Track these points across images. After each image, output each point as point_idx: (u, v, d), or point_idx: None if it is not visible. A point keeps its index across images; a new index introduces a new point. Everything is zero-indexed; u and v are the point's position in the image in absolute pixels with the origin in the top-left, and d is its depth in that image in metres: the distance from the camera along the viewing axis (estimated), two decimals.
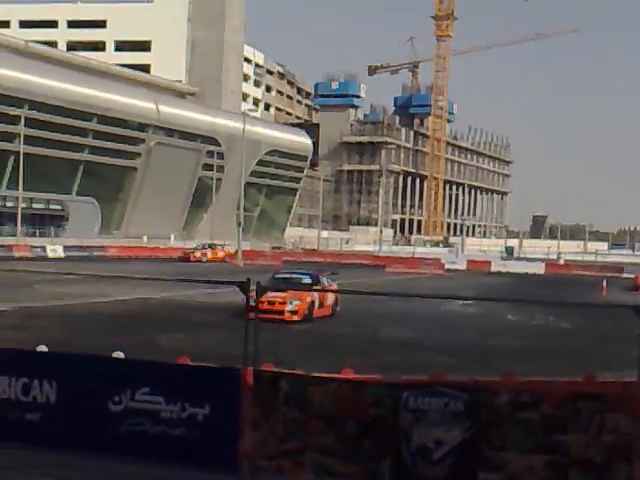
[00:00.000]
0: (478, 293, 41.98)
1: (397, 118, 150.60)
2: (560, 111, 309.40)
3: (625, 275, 59.93)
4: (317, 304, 25.74)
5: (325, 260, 67.54)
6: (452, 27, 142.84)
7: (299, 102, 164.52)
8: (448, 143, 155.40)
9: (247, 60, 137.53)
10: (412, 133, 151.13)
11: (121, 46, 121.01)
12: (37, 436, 8.50)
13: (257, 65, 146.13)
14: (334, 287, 28.94)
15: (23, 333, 18.91)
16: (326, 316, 26.14)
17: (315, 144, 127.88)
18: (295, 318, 24.37)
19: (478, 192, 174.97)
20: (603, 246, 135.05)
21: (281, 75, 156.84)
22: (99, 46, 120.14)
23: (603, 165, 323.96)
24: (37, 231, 78.00)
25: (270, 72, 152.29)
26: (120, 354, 10.33)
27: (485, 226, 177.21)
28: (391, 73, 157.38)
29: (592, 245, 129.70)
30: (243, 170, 75.64)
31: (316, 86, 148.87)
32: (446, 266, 64.33)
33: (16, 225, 71.18)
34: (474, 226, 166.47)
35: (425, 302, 30.58)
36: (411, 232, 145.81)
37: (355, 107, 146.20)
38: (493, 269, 67.68)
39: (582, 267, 70.33)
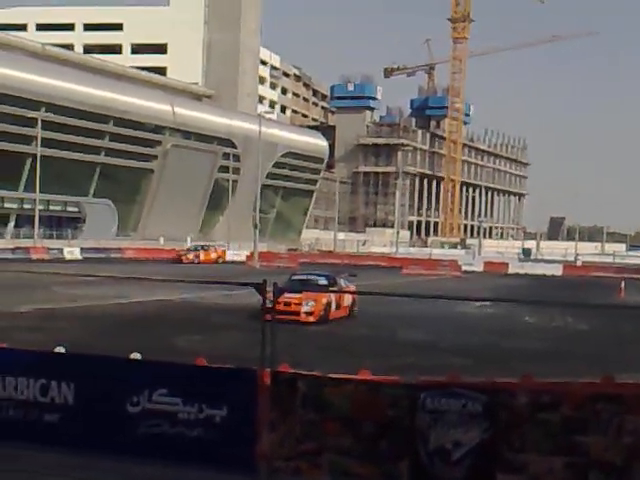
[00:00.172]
0: (495, 295, 41.85)
1: (413, 120, 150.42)
2: (577, 113, 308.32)
3: None
4: (334, 305, 25.70)
5: (342, 262, 67.54)
6: (468, 29, 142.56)
7: (315, 104, 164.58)
8: (465, 145, 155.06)
9: (263, 62, 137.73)
10: (428, 135, 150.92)
11: (137, 49, 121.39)
12: (55, 437, 8.51)
13: (273, 67, 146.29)
14: (351, 289, 28.86)
15: (41, 334, 18.97)
16: (343, 317, 26.11)
17: (331, 146, 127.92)
18: (311, 319, 24.36)
19: (495, 194, 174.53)
20: (621, 248, 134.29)
21: (297, 77, 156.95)
22: (115, 49, 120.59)
23: (621, 166, 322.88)
24: (54, 233, 78.27)
25: (286, 74, 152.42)
26: (137, 355, 10.33)
27: (502, 228, 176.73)
28: (407, 75, 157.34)
29: (610, 247, 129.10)
30: (259, 172, 75.75)
31: (332, 88, 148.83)
32: (463, 268, 64.24)
33: (33, 227, 71.44)
34: (491, 228, 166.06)
35: (442, 303, 30.53)
36: (427, 234, 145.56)
37: (371, 109, 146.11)
38: (510, 271, 67.53)
39: (600, 269, 70.09)
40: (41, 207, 73.72)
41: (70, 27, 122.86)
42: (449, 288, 44.47)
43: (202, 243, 74.80)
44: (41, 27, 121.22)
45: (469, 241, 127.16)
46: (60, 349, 10.39)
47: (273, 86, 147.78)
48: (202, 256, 67.53)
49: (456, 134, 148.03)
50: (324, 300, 25.03)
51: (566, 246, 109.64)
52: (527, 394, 7.39)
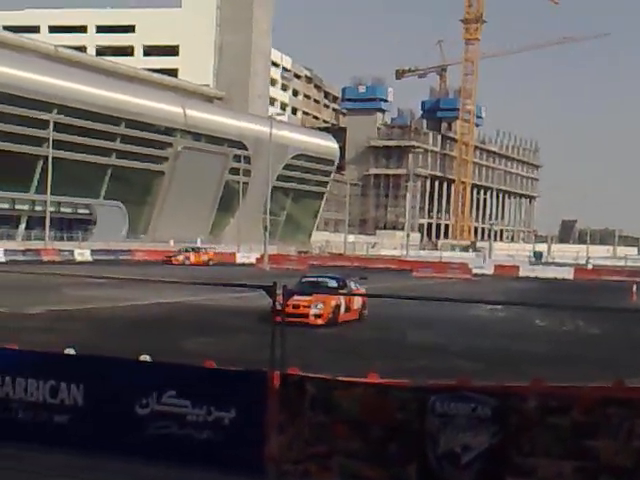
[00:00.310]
0: (506, 298, 41.70)
1: (424, 122, 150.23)
2: (589, 114, 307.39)
3: None
4: (343, 308, 25.66)
5: (352, 264, 67.49)
6: (480, 30, 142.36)
7: (326, 106, 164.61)
8: (476, 147, 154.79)
9: (274, 64, 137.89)
10: (440, 137, 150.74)
11: (149, 51, 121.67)
12: (64, 438, 8.53)
13: (284, 69, 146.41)
14: (361, 291, 28.81)
15: (51, 336, 19.00)
16: (353, 320, 26.08)
17: (342, 148, 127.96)
18: (319, 322, 24.34)
19: (506, 196, 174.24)
20: (633, 251, 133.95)
21: (308, 79, 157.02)
22: (128, 51, 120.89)
23: (633, 169, 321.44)
24: (65, 235, 78.47)
25: (297, 76, 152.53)
26: (147, 357, 10.34)
27: (513, 231, 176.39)
28: (419, 77, 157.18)
29: (622, 250, 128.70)
30: (270, 174, 75.85)
31: (343, 90, 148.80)
32: (473, 271, 64.14)
33: (44, 229, 71.63)
34: (502, 231, 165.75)
35: (452, 306, 30.44)
36: (438, 237, 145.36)
37: (382, 111, 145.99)
38: (521, 274, 67.37)
39: (612, 272, 69.86)
40: (52, 209, 73.91)
41: (83, 29, 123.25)
42: (459, 291, 44.42)
43: (193, 245, 74.16)
44: (54, 29, 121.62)
45: (480, 244, 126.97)
46: (70, 351, 10.41)
47: (284, 88, 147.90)
48: (192, 258, 66.80)
49: (467, 136, 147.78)
50: (333, 303, 25.00)
51: (577, 249, 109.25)
52: (537, 398, 7.37)
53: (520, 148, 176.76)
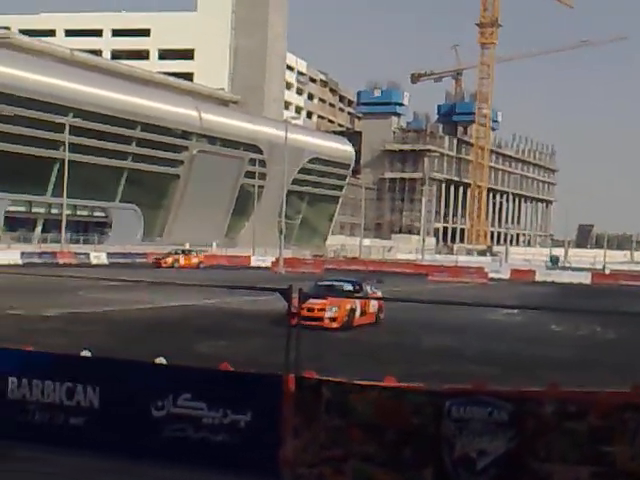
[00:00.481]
0: (522, 303, 41.60)
1: (440, 126, 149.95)
2: (606, 118, 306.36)
3: None
4: (358, 312, 25.60)
5: (367, 268, 67.34)
6: (496, 34, 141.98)
7: (341, 110, 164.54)
8: (492, 151, 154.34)
9: (290, 68, 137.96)
10: (455, 141, 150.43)
11: (165, 54, 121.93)
12: (80, 441, 8.54)
13: (300, 73, 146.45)
14: (378, 295, 28.74)
15: (67, 338, 19.05)
16: (369, 324, 26.02)
17: (357, 152, 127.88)
18: (334, 325, 24.29)
19: (522, 200, 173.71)
20: None
21: (324, 83, 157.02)
22: (143, 54, 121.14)
23: None
24: (81, 238, 78.66)
25: (313, 80, 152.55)
26: (162, 360, 10.35)
27: (529, 235, 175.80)
28: (434, 81, 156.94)
29: (639, 255, 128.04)
30: (285, 178, 75.81)
31: (359, 94, 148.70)
32: (490, 275, 63.92)
33: (60, 232, 71.82)
34: (518, 235, 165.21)
35: (468, 311, 30.38)
36: (454, 241, 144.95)
37: (398, 115, 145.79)
38: (538, 278, 67.10)
39: (629, 277, 69.50)
40: (68, 212, 74.10)
41: (98, 33, 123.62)
42: (475, 295, 44.27)
43: (183, 247, 72.73)
44: (70, 33, 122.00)
45: (496, 248, 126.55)
46: (86, 353, 10.42)
47: (299, 92, 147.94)
48: (182, 261, 65.43)
49: (483, 140, 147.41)
50: (348, 306, 24.94)
51: (594, 254, 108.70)
52: (553, 403, 7.34)
53: (536, 152, 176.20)
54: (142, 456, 8.35)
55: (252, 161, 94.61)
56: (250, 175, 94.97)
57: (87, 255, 66.71)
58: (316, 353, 15.33)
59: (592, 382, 13.50)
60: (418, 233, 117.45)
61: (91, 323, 23.78)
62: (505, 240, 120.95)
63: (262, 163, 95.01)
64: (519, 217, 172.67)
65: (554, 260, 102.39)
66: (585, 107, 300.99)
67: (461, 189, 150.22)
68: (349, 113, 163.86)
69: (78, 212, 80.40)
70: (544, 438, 7.26)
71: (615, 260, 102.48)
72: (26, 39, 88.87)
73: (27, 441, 8.75)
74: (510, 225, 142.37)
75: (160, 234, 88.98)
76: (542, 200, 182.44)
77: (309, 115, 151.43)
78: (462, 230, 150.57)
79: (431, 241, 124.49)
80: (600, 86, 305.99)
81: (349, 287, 26.98)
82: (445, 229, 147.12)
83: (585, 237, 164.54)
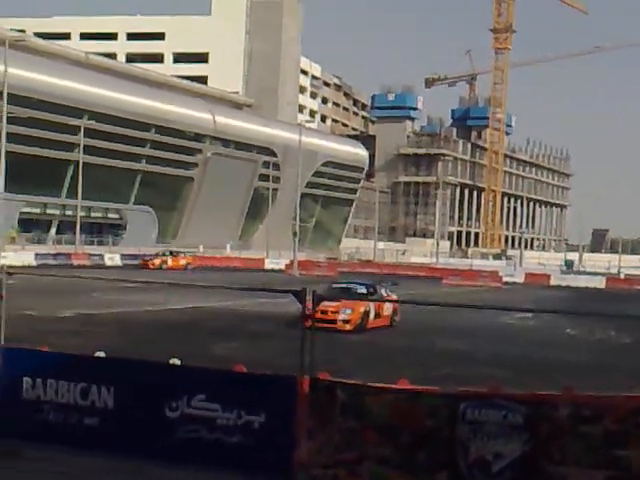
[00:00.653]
0: (537, 306, 41.47)
1: (454, 130, 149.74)
2: (620, 123, 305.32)
3: None
4: (372, 314, 25.58)
5: (381, 271, 67.29)
6: (510, 40, 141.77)
7: (355, 114, 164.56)
8: (506, 155, 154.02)
9: (304, 72, 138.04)
10: (469, 145, 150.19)
11: (179, 58, 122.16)
12: (95, 441, 8.55)
13: (314, 77, 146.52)
14: (393, 298, 28.70)
15: (81, 339, 19.11)
16: (383, 327, 25.99)
17: (371, 156, 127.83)
18: (347, 327, 24.27)
19: (537, 205, 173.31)
20: None
21: (337, 87, 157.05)
22: (157, 58, 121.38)
23: None
24: (95, 239, 78.89)
25: (327, 84, 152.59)
26: (177, 361, 10.36)
27: (544, 239, 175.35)
28: (448, 85, 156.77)
29: None
30: (299, 181, 75.89)
31: (372, 98, 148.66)
32: (504, 279, 63.79)
33: (75, 233, 72.02)
34: (532, 239, 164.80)
35: (482, 314, 30.34)
36: (468, 244, 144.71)
37: (412, 119, 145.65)
38: (552, 283, 66.91)
39: None
40: (83, 213, 74.33)
41: (113, 36, 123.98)
42: (490, 299, 44.20)
43: (171, 249, 71.83)
44: (84, 36, 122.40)
45: (510, 252, 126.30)
46: (100, 354, 10.44)
47: (313, 95, 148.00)
48: (170, 262, 64.85)
49: (497, 144, 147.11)
50: (362, 309, 24.94)
51: (609, 258, 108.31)
52: (568, 406, 7.31)
53: (550, 157, 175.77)
54: (156, 457, 8.36)
55: (266, 164, 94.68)
56: (264, 178, 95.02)
57: (101, 257, 66.89)
58: (330, 355, 15.32)
59: (607, 386, 13.44)
60: (432, 236, 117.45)
61: (105, 324, 23.84)
62: (519, 244, 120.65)
63: (276, 166, 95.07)
64: (533, 221, 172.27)
65: (569, 264, 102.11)
66: (599, 112, 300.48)
67: (475, 193, 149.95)
68: (363, 117, 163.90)
69: (92, 214, 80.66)
70: (559, 441, 7.23)
71: (630, 265, 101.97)
72: (41, 42, 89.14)
73: (41, 441, 8.78)
74: (524, 229, 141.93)
75: (174, 236, 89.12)
76: (556, 204, 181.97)
77: (323, 119, 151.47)
78: (476, 234, 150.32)
79: (445, 245, 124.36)
80: (614, 91, 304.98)
81: (363, 290, 26.98)
82: (459, 233, 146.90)
83: (600, 242, 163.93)
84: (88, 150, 72.96)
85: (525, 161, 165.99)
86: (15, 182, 59.83)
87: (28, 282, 29.19)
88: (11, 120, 55.44)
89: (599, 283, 66.66)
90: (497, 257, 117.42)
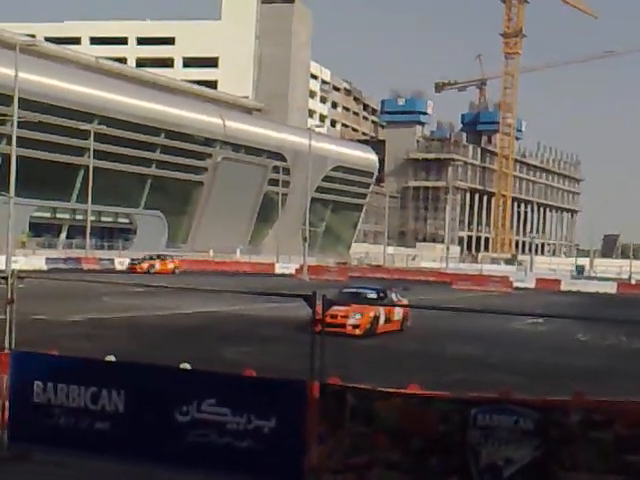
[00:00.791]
0: (548, 312, 41.38)
1: (464, 135, 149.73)
2: (631, 128, 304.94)
3: None
4: (382, 319, 25.56)
5: (391, 276, 67.26)
6: (521, 44, 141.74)
7: (365, 118, 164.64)
8: (516, 160, 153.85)
9: (314, 76, 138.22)
10: (479, 150, 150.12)
11: (189, 62, 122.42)
12: (105, 445, 8.56)
13: (323, 81, 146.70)
14: (403, 303, 28.68)
15: (92, 343, 19.13)
16: (394, 331, 25.96)
17: (381, 160, 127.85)
18: (357, 332, 24.25)
19: (547, 210, 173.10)
20: None
21: (347, 91, 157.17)
22: (168, 62, 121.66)
23: None
24: (105, 244, 79.05)
25: (336, 88, 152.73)
26: (187, 365, 10.35)
27: (554, 244, 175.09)
28: (458, 90, 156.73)
29: None
30: (309, 186, 75.88)
31: (382, 103, 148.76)
32: (514, 284, 63.67)
33: (85, 238, 72.16)
34: (543, 244, 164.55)
35: (493, 319, 30.28)
36: (478, 249, 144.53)
37: (422, 124, 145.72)
38: (563, 288, 66.78)
39: None
40: (93, 218, 74.50)
41: (123, 41, 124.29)
42: (500, 304, 44.08)
43: (158, 252, 70.80)
44: (95, 41, 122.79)
45: (520, 257, 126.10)
46: (111, 358, 10.45)
47: (323, 100, 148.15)
48: (158, 266, 63.91)
49: (508, 149, 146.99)
50: (371, 313, 24.91)
51: (620, 264, 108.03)
52: (579, 412, 7.28)
53: (561, 162, 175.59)
54: (166, 461, 8.36)
55: (276, 169, 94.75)
56: (274, 183, 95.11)
57: (111, 261, 67.04)
58: (340, 360, 15.31)
59: (619, 391, 13.39)
60: (442, 241, 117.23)
61: (116, 328, 23.88)
62: (530, 249, 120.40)
63: (286, 171, 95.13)
64: (544, 226, 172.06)
65: (579, 270, 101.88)
66: (609, 116, 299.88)
67: (485, 198, 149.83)
68: (373, 122, 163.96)
69: (102, 218, 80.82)
70: (570, 447, 7.20)
71: None
72: (52, 47, 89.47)
73: (52, 445, 8.78)
74: (535, 234, 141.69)
75: (184, 241, 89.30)
76: (567, 210, 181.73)
77: (333, 123, 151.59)
78: (486, 239, 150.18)
79: (455, 249, 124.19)
80: (624, 95, 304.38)
81: (373, 295, 26.96)
82: (469, 238, 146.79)
83: (611, 247, 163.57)
84: (98, 155, 73.14)
85: (535, 166, 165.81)
86: (26, 186, 59.97)
87: (38, 286, 29.21)
88: (22, 124, 55.56)
89: (610, 288, 66.49)
90: (509, 262, 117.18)
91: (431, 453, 7.52)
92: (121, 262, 66.95)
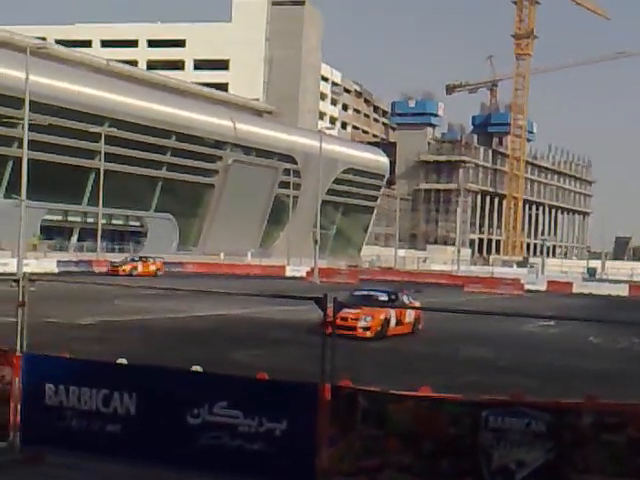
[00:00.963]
0: (560, 315, 41.23)
1: (475, 137, 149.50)
2: None
3: None
4: (393, 321, 25.52)
5: (402, 279, 67.15)
6: (532, 46, 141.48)
7: (376, 120, 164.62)
8: (528, 162, 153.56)
9: (324, 79, 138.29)
10: (491, 152, 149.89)
11: (200, 65, 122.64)
12: (117, 448, 8.57)
13: (334, 84, 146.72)
14: (415, 305, 28.63)
15: (103, 346, 19.17)
16: (405, 334, 25.93)
17: (392, 163, 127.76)
18: (368, 334, 24.24)
19: (559, 212, 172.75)
20: None
21: (358, 93, 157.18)
22: (178, 65, 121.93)
23: None
24: (116, 247, 79.17)
25: (347, 90, 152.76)
26: (198, 368, 10.36)
27: (566, 247, 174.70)
28: (469, 92, 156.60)
29: None
30: (320, 188, 75.91)
31: (393, 105, 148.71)
32: (526, 287, 63.55)
33: (96, 241, 72.28)
34: (554, 247, 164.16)
35: (504, 322, 30.23)
36: (489, 252, 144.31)
37: (433, 126, 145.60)
38: (575, 290, 66.59)
39: None
40: (104, 221, 74.63)
41: (134, 44, 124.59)
42: (511, 307, 44.00)
43: (140, 254, 70.15)
44: (105, 43, 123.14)
45: (532, 260, 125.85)
46: (122, 361, 10.46)
47: (334, 102, 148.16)
48: (140, 268, 62.72)
49: (519, 151, 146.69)
50: (382, 316, 24.89)
51: (632, 266, 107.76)
52: (592, 414, 7.26)
53: (572, 164, 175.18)
54: (177, 463, 8.36)
55: (287, 171, 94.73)
56: (285, 185, 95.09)
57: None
58: (351, 362, 15.30)
59: (631, 394, 13.36)
60: (453, 244, 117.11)
61: (127, 331, 23.90)
62: (541, 252, 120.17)
63: (297, 173, 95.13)
64: (555, 229, 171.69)
65: (591, 272, 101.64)
66: (621, 118, 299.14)
67: (496, 200, 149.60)
68: (383, 124, 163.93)
69: (113, 221, 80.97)
70: (582, 450, 7.18)
71: None
72: (62, 49, 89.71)
73: (64, 447, 8.80)
74: (546, 237, 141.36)
75: (195, 243, 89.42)
76: (579, 212, 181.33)
77: (344, 126, 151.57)
78: (497, 241, 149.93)
79: (466, 252, 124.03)
80: (636, 96, 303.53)
81: (384, 297, 26.94)
82: (480, 240, 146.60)
83: (622, 249, 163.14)
84: (109, 157, 73.28)
85: (547, 168, 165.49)
86: (37, 190, 60.09)
87: (50, 289, 29.28)
88: (33, 127, 55.71)
89: (622, 291, 66.27)
90: (521, 265, 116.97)
91: (442, 456, 7.51)
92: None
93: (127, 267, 62.19)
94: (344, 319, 22.81)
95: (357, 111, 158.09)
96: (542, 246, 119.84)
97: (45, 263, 59.71)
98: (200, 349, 19.77)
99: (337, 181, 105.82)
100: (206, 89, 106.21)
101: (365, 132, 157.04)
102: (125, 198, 78.57)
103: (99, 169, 71.36)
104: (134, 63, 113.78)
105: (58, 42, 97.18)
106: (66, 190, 74.06)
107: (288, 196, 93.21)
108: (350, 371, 10.04)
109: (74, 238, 79.19)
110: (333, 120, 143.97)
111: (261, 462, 8.05)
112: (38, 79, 61.47)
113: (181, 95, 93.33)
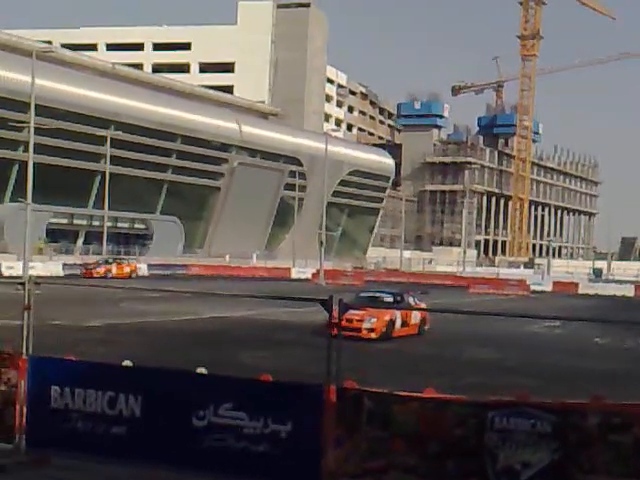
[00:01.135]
0: (565, 315, 41.17)
1: (481, 138, 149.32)
2: None
3: None
4: (399, 323, 25.53)
5: (408, 280, 67.15)
6: (538, 46, 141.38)
7: (381, 122, 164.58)
8: (533, 163, 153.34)
9: (330, 81, 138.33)
10: (496, 153, 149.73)
11: (205, 68, 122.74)
12: (122, 450, 8.57)
13: (340, 86, 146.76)
14: (421, 306, 28.62)
15: (108, 348, 19.19)
16: (411, 335, 25.92)
17: (397, 164, 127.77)
18: (372, 336, 24.25)
19: (565, 213, 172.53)
20: None
21: (364, 95, 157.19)
22: (184, 68, 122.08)
23: None
24: (122, 250, 79.19)
25: (353, 92, 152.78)
26: (203, 370, 10.36)
27: (572, 247, 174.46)
28: (475, 93, 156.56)
29: None
30: (325, 190, 75.92)
31: (399, 106, 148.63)
32: (531, 287, 63.49)
33: (102, 244, 72.34)
34: (560, 247, 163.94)
35: (510, 323, 30.20)
36: (495, 253, 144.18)
37: (438, 127, 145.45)
38: (580, 291, 66.46)
39: None
40: (109, 224, 74.67)
41: (139, 47, 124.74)
42: (517, 308, 43.96)
43: (114, 256, 69.09)
44: (111, 47, 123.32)
45: (537, 261, 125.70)
46: (127, 363, 10.46)
47: (339, 104, 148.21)
48: (114, 270, 61.26)
49: (525, 152, 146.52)
50: (387, 317, 24.90)
51: (638, 266, 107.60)
52: (597, 415, 7.24)
53: (578, 164, 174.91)
54: (183, 465, 8.36)
55: (292, 173, 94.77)
56: (290, 187, 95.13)
57: None
58: (356, 364, 15.29)
59: (637, 395, 13.33)
60: (459, 245, 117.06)
61: (132, 333, 23.93)
62: (547, 252, 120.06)
63: (302, 175, 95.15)
64: (561, 229, 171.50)
65: (597, 273, 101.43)
66: (627, 118, 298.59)
67: (502, 201, 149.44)
68: (389, 125, 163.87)
69: (119, 224, 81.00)
70: (588, 450, 7.16)
71: None
72: (68, 53, 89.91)
73: (69, 449, 8.81)
74: (552, 237, 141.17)
75: (201, 246, 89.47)
76: (584, 212, 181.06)
77: (349, 128, 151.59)
78: (503, 242, 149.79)
79: (472, 253, 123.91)
80: None
81: (390, 298, 26.95)
82: (486, 241, 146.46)
83: (628, 250, 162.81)
84: (115, 160, 73.35)
85: (553, 169, 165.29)
86: (42, 193, 60.23)
87: (55, 292, 29.33)
88: (38, 131, 55.78)
89: (628, 291, 66.13)
90: (527, 265, 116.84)
91: (448, 457, 7.50)
92: (138, 268, 66.94)
93: (101, 270, 60.38)
94: (349, 321, 22.81)
95: (363, 113, 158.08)
96: (548, 247, 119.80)
97: (51, 266, 59.79)
98: (205, 351, 19.79)
99: (343, 183, 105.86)
100: (211, 92, 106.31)
101: (371, 134, 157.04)
102: (131, 201, 78.63)
103: (105, 172, 71.42)
104: (139, 66, 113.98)
105: (64, 46, 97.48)
106: (72, 193, 74.12)
107: (294, 198, 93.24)
108: (355, 372, 10.03)
109: (80, 241, 79.25)
110: (339, 122, 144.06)
111: (266, 464, 8.05)
112: (44, 83, 61.57)
113: (186, 98, 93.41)
